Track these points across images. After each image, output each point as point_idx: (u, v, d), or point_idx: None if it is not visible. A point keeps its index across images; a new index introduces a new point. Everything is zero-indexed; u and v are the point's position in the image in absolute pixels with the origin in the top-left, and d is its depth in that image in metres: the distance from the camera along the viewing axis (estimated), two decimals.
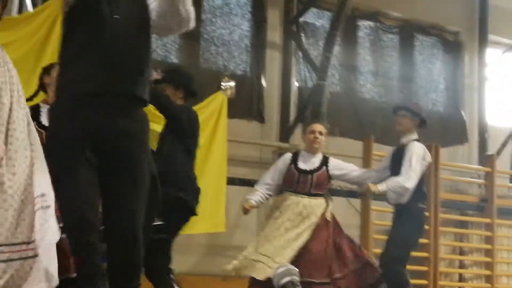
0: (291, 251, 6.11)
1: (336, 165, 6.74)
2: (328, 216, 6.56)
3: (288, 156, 6.81)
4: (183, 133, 5.79)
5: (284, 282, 2.28)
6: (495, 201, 10.72)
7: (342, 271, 6.33)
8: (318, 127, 6.73)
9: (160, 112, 5.84)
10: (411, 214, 6.75)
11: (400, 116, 6.86)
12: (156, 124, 6.00)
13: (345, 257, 6.40)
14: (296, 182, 6.57)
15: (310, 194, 6.55)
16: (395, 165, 6.75)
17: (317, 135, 6.65)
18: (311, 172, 6.62)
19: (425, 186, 7.02)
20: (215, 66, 9.88)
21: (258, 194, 6.73)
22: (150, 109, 5.41)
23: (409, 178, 6.55)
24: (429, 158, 6.79)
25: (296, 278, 2.31)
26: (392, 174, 6.73)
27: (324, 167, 6.66)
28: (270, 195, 6.83)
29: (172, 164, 5.61)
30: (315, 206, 6.53)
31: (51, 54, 7.07)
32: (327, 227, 6.54)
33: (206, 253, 9.42)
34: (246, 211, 6.71)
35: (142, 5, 3.57)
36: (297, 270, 2.38)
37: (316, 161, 6.68)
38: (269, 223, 6.51)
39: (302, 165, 6.65)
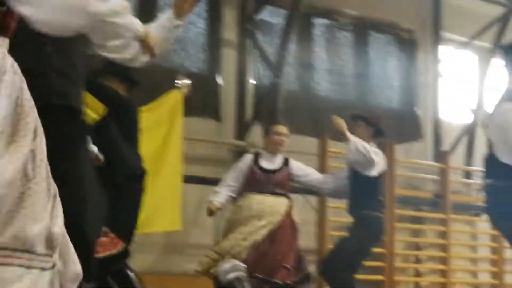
0: (247, 243, 6.17)
1: (298, 167, 6.86)
2: (294, 217, 6.64)
3: (249, 156, 6.86)
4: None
5: (230, 278, 2.30)
6: (449, 197, 10.85)
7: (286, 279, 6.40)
8: (284, 129, 6.83)
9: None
10: (367, 223, 6.84)
11: (356, 125, 6.95)
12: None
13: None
14: (259, 181, 6.63)
15: (273, 193, 6.62)
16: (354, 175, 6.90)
17: (283, 137, 6.75)
18: (274, 171, 6.69)
19: (381, 195, 7.12)
20: (171, 64, 9.84)
21: (221, 196, 6.75)
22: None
23: (375, 153, 6.65)
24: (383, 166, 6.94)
25: (243, 274, 2.32)
26: (351, 184, 6.87)
27: (285, 167, 6.74)
28: (232, 197, 6.86)
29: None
30: (279, 204, 6.59)
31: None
32: (291, 228, 6.60)
33: (163, 251, 9.40)
34: (211, 212, 6.72)
35: None
36: (244, 266, 2.39)
37: (277, 161, 6.76)
38: (234, 224, 6.54)
39: (264, 164, 6.71)
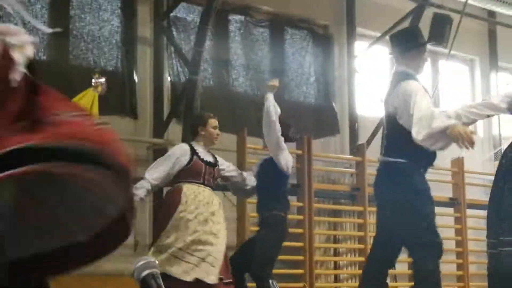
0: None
1: (228, 165, 6.91)
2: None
3: (186, 147, 6.75)
4: None
5: (144, 275, 2.27)
6: (366, 189, 10.99)
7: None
8: (215, 122, 6.84)
9: None
10: (268, 222, 6.97)
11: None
12: None
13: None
14: (203, 174, 6.59)
15: (212, 188, 6.64)
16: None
17: (217, 130, 6.76)
18: (214, 165, 6.70)
19: (283, 194, 7.19)
20: (85, 62, 9.72)
21: (144, 188, 6.60)
22: None
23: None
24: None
25: (156, 271, 2.30)
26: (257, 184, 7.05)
27: (217, 163, 6.77)
28: (157, 186, 6.76)
29: None
30: (216, 200, 6.62)
31: None
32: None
33: None
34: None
35: None
36: (157, 262, 2.37)
37: (210, 155, 6.77)
38: (182, 217, 6.44)
39: (205, 157, 6.68)
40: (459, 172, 11.89)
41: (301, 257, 10.17)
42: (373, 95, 12.55)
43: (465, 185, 11.93)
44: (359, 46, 12.60)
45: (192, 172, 6.61)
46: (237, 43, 11.36)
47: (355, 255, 11.29)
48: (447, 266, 11.17)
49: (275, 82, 6.94)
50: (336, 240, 11.37)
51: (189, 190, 6.53)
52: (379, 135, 12.15)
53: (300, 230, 10.28)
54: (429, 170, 5.65)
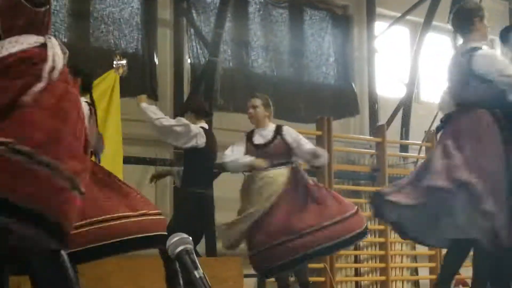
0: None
1: (289, 132, 6.88)
2: (295, 183, 6.65)
3: (244, 136, 6.89)
4: None
5: (178, 251, 2.32)
6: (386, 170, 10.99)
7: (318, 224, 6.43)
8: (251, 101, 6.88)
9: None
10: (184, 199, 7.06)
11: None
12: None
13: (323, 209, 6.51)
14: (255, 157, 6.64)
15: (272, 166, 6.63)
16: None
17: (250, 110, 6.79)
18: (267, 144, 6.70)
19: (202, 170, 7.23)
20: (106, 44, 9.76)
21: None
22: None
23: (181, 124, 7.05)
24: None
25: (190, 246, 2.35)
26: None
27: (278, 136, 6.74)
28: None
29: None
30: (277, 175, 6.59)
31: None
32: (294, 192, 6.61)
33: None
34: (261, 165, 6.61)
35: None
36: (190, 238, 2.42)
37: (269, 133, 6.77)
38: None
39: (257, 140, 6.73)
40: None
41: None
42: (394, 75, 12.53)
43: None
44: (379, 26, 12.55)
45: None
46: (257, 25, 11.35)
47: (374, 236, 11.29)
48: None
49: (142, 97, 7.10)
50: None
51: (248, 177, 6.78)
52: (399, 116, 12.14)
53: None
54: None
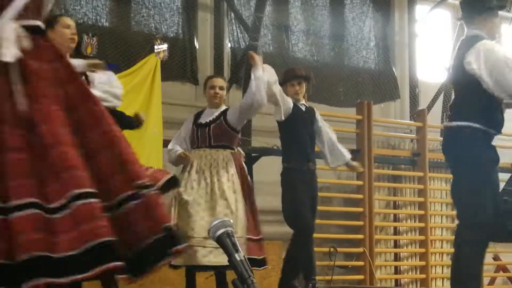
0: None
1: (231, 111, 6.61)
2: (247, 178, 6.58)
3: (191, 115, 6.78)
4: None
5: (219, 234, 2.33)
6: (427, 155, 10.94)
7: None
8: (218, 81, 6.74)
9: None
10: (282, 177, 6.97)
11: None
12: None
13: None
14: (196, 137, 6.55)
15: (211, 147, 6.50)
16: None
17: (217, 90, 6.65)
18: (208, 124, 6.56)
19: (294, 144, 6.97)
20: (147, 28, 9.81)
21: (179, 148, 6.63)
22: None
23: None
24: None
25: (231, 229, 2.36)
26: None
27: (221, 118, 6.57)
28: None
29: None
30: (219, 158, 6.45)
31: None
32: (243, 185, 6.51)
33: None
34: (185, 157, 6.48)
35: None
36: (231, 221, 2.43)
37: (216, 113, 6.62)
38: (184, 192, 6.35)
39: (201, 119, 6.62)
40: None
41: (361, 223, 10.20)
42: (435, 60, 12.43)
43: None
44: (420, 10, 12.45)
45: (190, 139, 6.64)
46: (297, 8, 11.32)
47: (415, 221, 11.26)
48: None
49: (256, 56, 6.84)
50: (396, 206, 11.34)
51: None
52: (440, 100, 12.06)
53: (360, 196, 10.29)
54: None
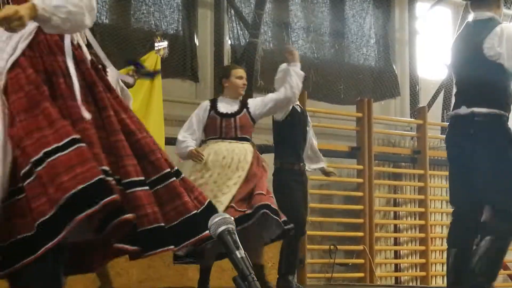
0: (220, 205, 6.04)
1: (255, 104, 6.49)
2: (263, 165, 6.46)
3: (205, 103, 6.59)
4: None
5: (220, 231, 2.31)
6: (427, 153, 10.94)
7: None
8: (244, 72, 6.64)
9: None
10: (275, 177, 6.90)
11: None
12: None
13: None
14: (219, 128, 6.45)
15: (236, 138, 6.39)
16: None
17: (245, 81, 6.56)
18: (233, 115, 6.45)
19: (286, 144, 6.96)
20: (147, 25, 9.79)
21: (191, 142, 6.47)
22: None
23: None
24: None
25: (232, 226, 2.33)
26: None
27: (244, 110, 6.47)
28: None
29: None
30: (243, 150, 6.34)
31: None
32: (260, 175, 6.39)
33: None
34: (197, 155, 6.35)
35: None
36: (233, 218, 2.41)
37: (236, 105, 6.49)
38: (195, 178, 6.17)
39: (223, 109, 6.48)
40: None
41: (361, 220, 10.19)
42: (435, 57, 12.41)
43: None
44: (421, 7, 12.44)
45: (209, 128, 6.45)
46: (297, 5, 11.30)
47: (415, 219, 11.26)
48: None
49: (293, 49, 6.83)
50: (396, 203, 11.34)
51: (210, 145, 6.38)
52: (440, 97, 12.04)
53: (360, 193, 10.29)
54: None
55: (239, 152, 6.27)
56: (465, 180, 5.23)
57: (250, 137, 6.47)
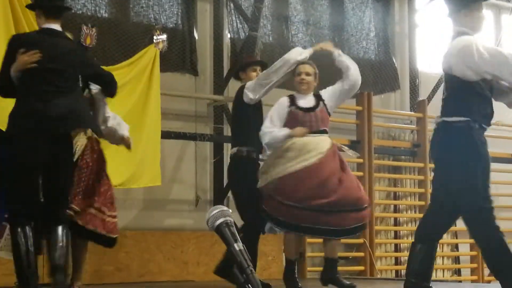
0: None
1: (327, 94, 6.64)
2: (335, 150, 6.49)
3: (284, 99, 6.64)
4: None
5: (218, 224, 2.30)
6: (427, 146, 10.90)
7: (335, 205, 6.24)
8: (305, 68, 6.65)
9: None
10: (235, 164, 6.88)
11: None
12: None
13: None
14: (302, 122, 6.44)
15: (317, 132, 6.44)
16: None
17: (303, 76, 6.57)
18: (313, 108, 6.52)
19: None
20: (146, 19, 9.76)
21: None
22: None
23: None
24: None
25: (230, 219, 2.32)
26: None
27: (321, 103, 6.55)
28: None
29: None
30: (321, 141, 6.41)
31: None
32: (334, 158, 6.43)
33: (144, 207, 9.41)
34: (301, 130, 6.39)
35: None
36: (230, 211, 2.39)
37: (312, 98, 6.57)
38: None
39: (302, 104, 6.54)
40: None
41: None
42: (435, 50, 12.38)
43: None
44: (420, 0, 12.41)
45: (289, 123, 6.46)
46: None
47: (415, 212, 11.25)
48: (506, 223, 11.06)
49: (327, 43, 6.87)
50: (396, 197, 11.33)
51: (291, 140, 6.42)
52: (440, 91, 12.01)
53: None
54: (492, 126, 5.56)
55: (324, 145, 6.40)
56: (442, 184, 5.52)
57: (327, 129, 6.60)
